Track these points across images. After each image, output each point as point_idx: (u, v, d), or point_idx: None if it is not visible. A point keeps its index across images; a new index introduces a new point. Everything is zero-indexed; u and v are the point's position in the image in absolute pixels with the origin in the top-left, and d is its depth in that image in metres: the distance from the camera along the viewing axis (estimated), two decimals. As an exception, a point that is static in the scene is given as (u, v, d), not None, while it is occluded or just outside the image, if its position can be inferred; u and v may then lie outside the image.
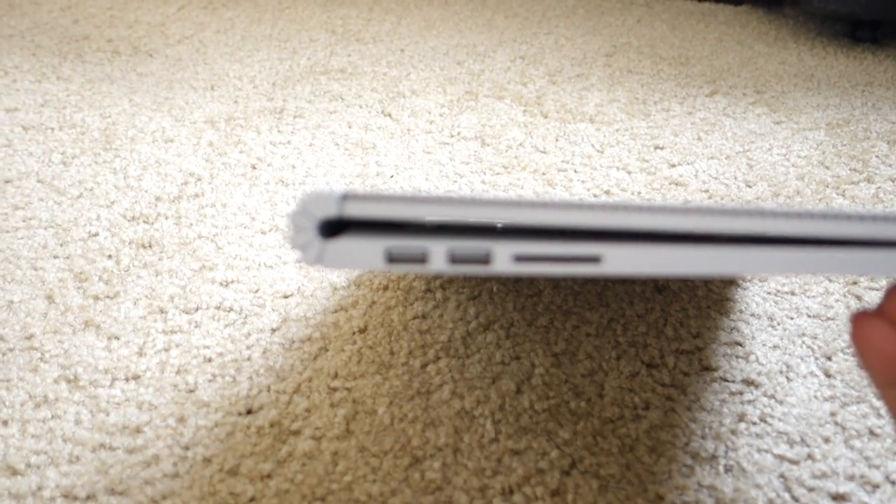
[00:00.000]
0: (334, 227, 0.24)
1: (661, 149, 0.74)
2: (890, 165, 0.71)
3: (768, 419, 0.43)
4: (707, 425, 0.42)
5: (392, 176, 0.68)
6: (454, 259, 0.23)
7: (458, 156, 0.72)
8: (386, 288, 0.53)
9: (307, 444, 0.40)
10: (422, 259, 0.23)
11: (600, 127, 0.79)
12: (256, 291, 0.52)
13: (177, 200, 0.63)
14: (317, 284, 0.53)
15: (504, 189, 0.66)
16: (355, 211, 0.23)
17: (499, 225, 0.25)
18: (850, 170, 0.70)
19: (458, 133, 0.76)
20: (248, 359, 0.46)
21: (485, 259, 0.23)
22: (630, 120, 0.80)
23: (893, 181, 0.68)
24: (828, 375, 0.46)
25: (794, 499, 0.38)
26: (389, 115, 0.80)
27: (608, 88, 0.89)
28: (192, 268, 0.54)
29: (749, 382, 0.45)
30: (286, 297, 0.52)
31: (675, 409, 0.43)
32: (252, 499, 0.37)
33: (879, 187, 0.68)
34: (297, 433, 0.41)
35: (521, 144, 0.74)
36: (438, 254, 0.23)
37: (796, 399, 0.44)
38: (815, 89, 0.90)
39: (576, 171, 0.69)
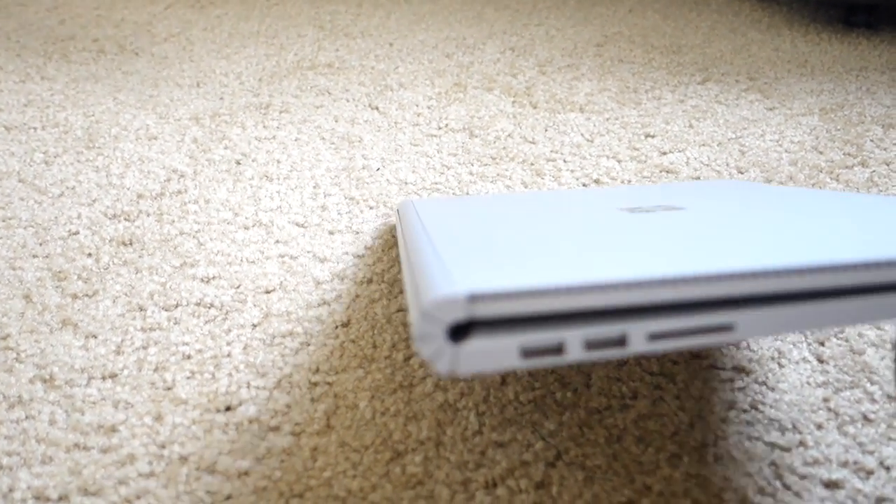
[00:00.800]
0: (461, 327, 0.22)
1: (652, 137, 0.73)
2: (885, 149, 0.70)
3: (759, 406, 0.42)
4: (696, 414, 0.41)
5: (378, 169, 0.67)
6: (590, 346, 0.22)
7: (445, 147, 0.71)
8: (370, 281, 0.52)
9: (286, 440, 0.40)
10: (558, 350, 0.22)
11: (590, 116, 0.78)
12: (238, 287, 0.51)
13: (159, 197, 0.62)
14: (299, 279, 0.52)
15: (492, 180, 0.65)
16: (486, 311, 0.22)
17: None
18: (844, 154, 0.69)
19: (446, 125, 0.75)
20: (228, 355, 0.45)
21: (621, 342, 0.22)
22: (620, 109, 0.79)
23: (888, 164, 0.67)
24: (821, 361, 0.45)
25: (786, 486, 0.37)
26: (377, 109, 0.79)
27: (599, 78, 0.88)
28: (173, 264, 0.53)
29: (740, 370, 0.44)
30: (268, 292, 0.51)
31: (664, 398, 0.42)
32: (229, 496, 0.36)
33: (874, 171, 0.66)
34: (276, 429, 0.40)
35: (509, 135, 0.73)
36: (574, 343, 0.22)
37: (788, 385, 0.43)
38: (809, 75, 0.89)
39: (565, 161, 0.68)
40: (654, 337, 0.22)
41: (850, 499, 0.36)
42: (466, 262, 0.25)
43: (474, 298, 0.21)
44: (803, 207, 0.39)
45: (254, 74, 0.88)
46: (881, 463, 0.38)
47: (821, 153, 0.69)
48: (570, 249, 0.27)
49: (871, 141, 0.71)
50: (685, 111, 0.79)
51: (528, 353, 0.22)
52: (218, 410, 0.41)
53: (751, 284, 0.22)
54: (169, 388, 0.43)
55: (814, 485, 0.37)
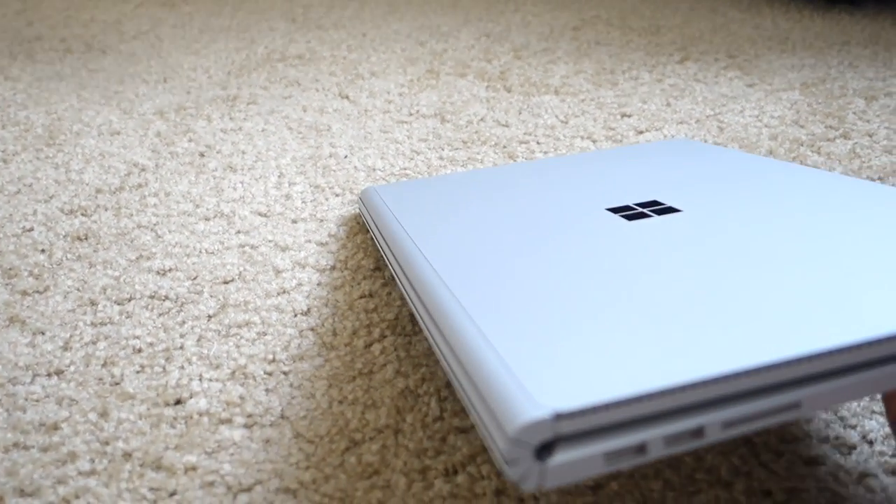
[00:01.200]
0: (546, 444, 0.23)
1: (629, 116, 0.71)
2: (868, 121, 0.68)
3: (736, 383, 0.40)
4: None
5: (346, 157, 0.65)
6: (669, 442, 0.23)
7: (416, 133, 0.69)
8: (333, 268, 0.50)
9: (238, 432, 0.37)
10: (640, 451, 0.22)
11: (565, 98, 0.76)
12: (195, 278, 0.49)
13: (118, 192, 0.60)
14: (259, 269, 0.50)
15: (463, 164, 0.63)
16: (571, 428, 0.22)
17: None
18: (825, 127, 0.67)
19: (417, 111, 0.73)
20: (181, 347, 0.43)
21: (698, 434, 0.23)
22: (597, 90, 0.77)
23: (871, 136, 0.65)
24: (800, 334, 0.43)
25: (763, 465, 0.35)
26: (346, 98, 0.77)
27: (575, 61, 0.86)
28: (129, 258, 0.51)
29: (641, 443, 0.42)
30: (226, 282, 0.49)
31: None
32: (174, 493, 0.34)
33: (856, 143, 0.65)
34: (227, 421, 0.38)
35: (482, 119, 0.71)
36: (656, 442, 0.22)
37: (766, 360, 0.41)
38: (790, 51, 0.87)
39: (538, 143, 0.66)
40: (728, 425, 0.23)
41: (831, 475, 0.34)
42: (532, 364, 0.25)
43: (560, 417, 0.22)
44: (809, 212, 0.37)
45: (222, 68, 0.86)
46: (864, 437, 0.36)
47: (802, 127, 0.67)
48: (618, 329, 0.27)
49: (854, 113, 0.69)
50: (663, 90, 0.77)
51: (611, 457, 0.22)
52: (167, 404, 0.39)
53: (817, 365, 0.23)
54: (116, 384, 0.41)
55: (793, 463, 0.35)
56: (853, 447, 0.36)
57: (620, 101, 0.74)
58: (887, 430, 0.36)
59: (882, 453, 0.35)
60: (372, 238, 0.53)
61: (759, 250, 0.36)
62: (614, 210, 0.40)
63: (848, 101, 0.72)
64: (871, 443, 0.36)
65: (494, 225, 0.38)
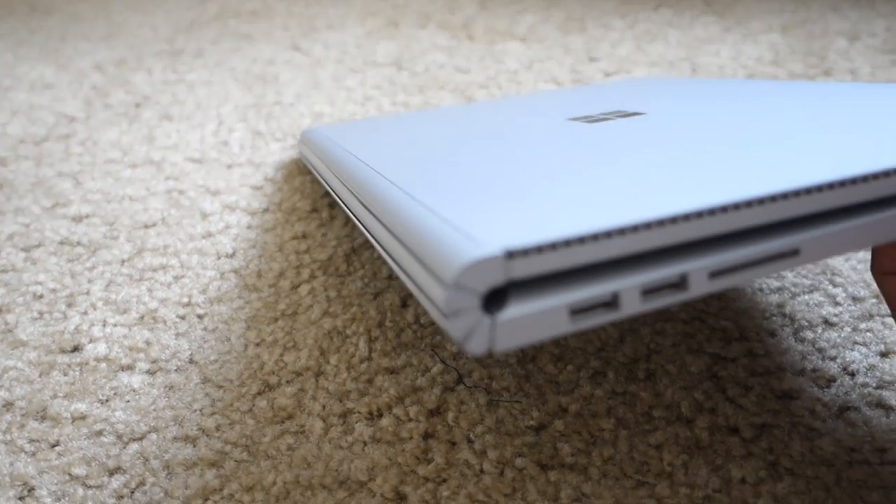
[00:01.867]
0: (493, 296, 0.18)
1: (597, 60, 0.67)
2: (850, 59, 0.64)
3: (702, 316, 0.35)
4: (627, 328, 0.35)
5: (291, 104, 0.60)
6: (647, 294, 0.19)
7: (369, 81, 0.64)
8: (265, 211, 0.45)
9: (138, 378, 0.33)
10: (612, 304, 0.18)
11: (531, 45, 0.71)
12: (112, 224, 0.45)
13: (42, 142, 0.55)
14: (184, 213, 0.45)
15: (417, 109, 0.59)
16: (526, 270, 0.17)
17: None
18: (806, 66, 0.63)
19: (373, 61, 0.69)
20: (87, 293, 0.39)
21: (680, 285, 0.19)
22: (564, 37, 0.73)
23: (853, 73, 0.61)
24: (774, 265, 0.39)
25: (729, 399, 0.31)
26: (299, 49, 0.72)
27: (543, 10, 0.82)
28: (43, 205, 0.47)
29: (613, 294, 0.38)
30: (147, 227, 0.44)
31: (590, 312, 0.36)
32: (56, 444, 0.30)
33: (838, 80, 0.60)
34: (129, 368, 0.34)
35: (440, 66, 0.67)
36: (631, 294, 0.18)
37: (736, 293, 0.37)
38: (770, -1, 0.83)
39: (499, 88, 0.62)
40: (716, 274, 0.19)
41: (808, 409, 0.30)
42: (472, 213, 0.20)
43: (512, 255, 0.17)
44: (777, 105, 0.33)
45: (171, 26, 0.81)
46: (844, 369, 0.32)
47: (781, 66, 0.63)
48: (576, 182, 0.22)
49: (836, 52, 0.65)
50: (635, 36, 0.72)
51: (577, 312, 0.18)
52: (62, 351, 0.35)
53: (817, 201, 0.20)
54: (9, 331, 0.36)
55: (763, 396, 0.31)
56: (832, 380, 0.32)
57: (589, 47, 0.70)
58: (871, 361, 0.32)
59: (865, 385, 0.31)
60: (311, 180, 0.48)
61: (745, 110, 0.32)
62: (576, 119, 0.36)
63: (830, 41, 0.68)
64: (852, 374, 0.32)
65: (449, 140, 0.33)
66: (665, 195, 0.20)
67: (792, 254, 0.20)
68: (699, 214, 0.19)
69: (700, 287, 0.19)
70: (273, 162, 0.51)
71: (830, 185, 0.20)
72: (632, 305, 0.18)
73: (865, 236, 0.21)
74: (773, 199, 0.19)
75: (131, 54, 0.72)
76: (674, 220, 0.18)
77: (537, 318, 0.17)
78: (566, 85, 0.62)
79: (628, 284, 0.18)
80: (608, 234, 0.18)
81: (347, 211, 0.30)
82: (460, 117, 0.42)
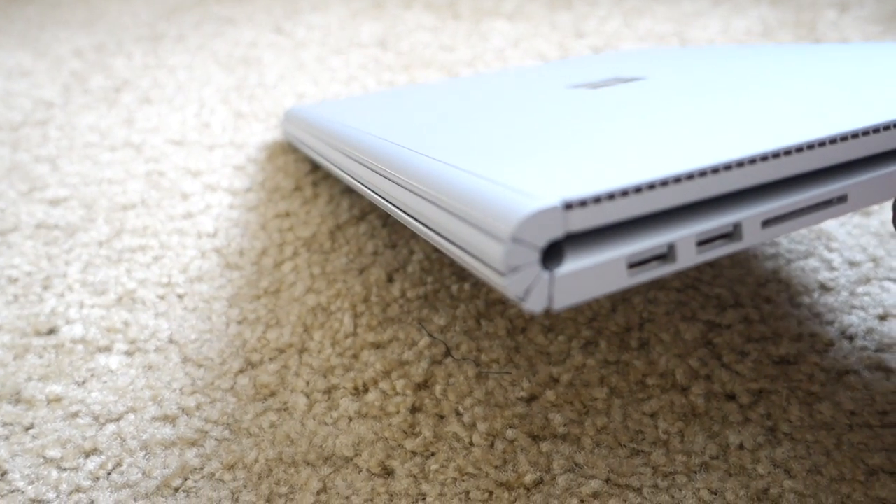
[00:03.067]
0: (549, 250, 0.18)
1: (584, 37, 0.66)
2: (840, 29, 0.63)
3: (695, 284, 0.35)
4: (619, 297, 0.34)
5: (275, 86, 0.59)
6: (702, 245, 0.19)
7: (354, 61, 0.63)
8: (248, 190, 0.44)
9: (116, 359, 0.32)
10: (667, 256, 0.18)
11: (518, 23, 0.70)
12: (90, 206, 0.43)
13: (19, 128, 0.54)
14: (164, 194, 0.44)
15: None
16: (584, 223, 0.17)
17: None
18: (796, 37, 0.62)
19: (358, 42, 0.68)
20: (64, 275, 0.37)
21: (734, 235, 0.19)
22: (552, 14, 0.72)
23: (845, 40, 0.60)
24: (768, 232, 0.38)
25: (725, 366, 0.30)
26: (282, 32, 0.71)
27: (530, -10, 0.80)
28: (20, 189, 0.45)
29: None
30: (126, 208, 0.43)
31: (581, 283, 0.35)
32: (30, 427, 0.29)
33: (829, 51, 0.59)
34: (106, 349, 0.33)
35: (426, 45, 0.66)
36: (686, 244, 0.18)
37: (731, 261, 0.36)
38: (758, -26, 0.82)
39: (486, 65, 0.61)
40: (768, 223, 0.19)
41: (805, 374, 0.29)
42: (521, 170, 0.19)
43: (570, 206, 0.17)
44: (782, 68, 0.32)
45: (152, 11, 0.80)
46: (843, 333, 0.31)
47: (771, 37, 0.62)
48: (614, 139, 0.22)
49: (825, 23, 0.64)
50: (622, 12, 0.71)
51: (634, 266, 0.18)
52: (38, 333, 0.34)
53: (861, 146, 0.20)
54: (-17, 315, 0.35)
55: (762, 363, 0.30)
56: (830, 344, 0.31)
57: (576, 24, 0.69)
58: (869, 324, 0.31)
59: (864, 348, 0.30)
60: (296, 159, 0.47)
61: (757, 69, 0.31)
62: (575, 87, 0.35)
63: (819, 12, 0.67)
64: (850, 338, 0.31)
65: (461, 109, 0.32)
66: (712, 145, 0.19)
67: (840, 200, 0.20)
68: (752, 161, 0.18)
69: (753, 236, 0.19)
70: (256, 143, 0.50)
71: (876, 129, 0.20)
72: (688, 257, 0.18)
73: None
74: (822, 143, 0.19)
75: (111, 40, 0.71)
76: (728, 166, 0.18)
77: (596, 271, 0.17)
78: (554, 60, 0.61)
79: (684, 234, 0.18)
80: (664, 183, 0.17)
81: (361, 187, 0.28)
82: (458, 89, 0.41)
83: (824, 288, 0.34)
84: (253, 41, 0.69)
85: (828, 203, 0.20)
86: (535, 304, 0.17)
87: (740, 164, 0.18)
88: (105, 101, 0.57)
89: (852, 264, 0.35)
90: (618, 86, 0.32)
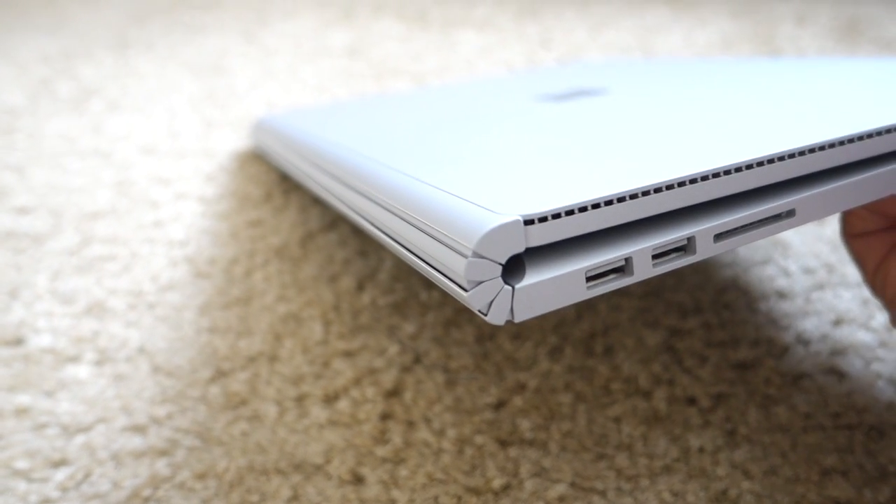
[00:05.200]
0: (510, 266, 0.18)
1: (550, 48, 0.67)
2: (796, 39, 0.65)
3: (657, 292, 0.36)
4: (584, 305, 0.35)
5: (245, 94, 0.59)
6: (657, 258, 0.19)
7: (324, 71, 0.63)
8: (219, 198, 0.44)
9: (85, 369, 0.32)
10: (625, 269, 0.19)
11: (486, 34, 0.71)
12: (59, 215, 0.43)
13: (-16, 135, 0.53)
14: (134, 203, 0.44)
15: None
16: (542, 238, 0.17)
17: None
18: (754, 49, 0.64)
19: (327, 51, 0.68)
20: (32, 284, 0.37)
21: (688, 247, 0.20)
22: (519, 26, 0.73)
23: (801, 51, 0.62)
24: (728, 241, 0.39)
25: (686, 370, 0.31)
26: (252, 40, 0.71)
27: (498, 1, 0.82)
28: (-15, 198, 0.45)
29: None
30: (95, 217, 0.43)
31: (548, 290, 0.36)
32: (-2, 438, 0.29)
33: (787, 64, 0.61)
34: (75, 359, 0.33)
35: (396, 55, 0.66)
36: (642, 258, 0.19)
37: (690, 269, 0.37)
38: (721, -12, 0.84)
39: (454, 74, 0.61)
40: (720, 236, 0.20)
41: (763, 378, 0.31)
42: (484, 186, 0.20)
43: (530, 222, 0.17)
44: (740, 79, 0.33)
45: (120, 18, 0.79)
46: (798, 338, 0.33)
47: (730, 49, 0.64)
48: (575, 155, 0.23)
49: (783, 35, 0.66)
50: (587, 25, 0.73)
51: (592, 279, 0.18)
52: (5, 343, 0.34)
53: (808, 162, 0.21)
54: (-51, 325, 0.35)
55: (719, 367, 0.31)
56: (786, 349, 0.32)
57: (542, 35, 0.70)
58: (823, 330, 0.33)
59: (818, 353, 0.32)
60: (267, 169, 0.47)
61: (712, 85, 0.32)
62: (540, 99, 0.35)
63: (777, 25, 0.69)
64: (805, 343, 0.32)
65: (427, 121, 0.33)
66: (669, 162, 0.20)
67: (788, 214, 0.21)
68: (706, 177, 0.19)
69: (706, 249, 0.20)
70: (226, 151, 0.50)
71: (822, 147, 0.21)
72: (644, 270, 0.19)
73: (855, 194, 0.22)
74: (771, 161, 0.20)
75: (79, 46, 0.70)
76: (682, 183, 0.19)
77: (555, 284, 0.18)
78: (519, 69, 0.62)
79: (640, 248, 0.18)
80: (622, 199, 0.18)
81: (329, 198, 0.29)
82: (426, 98, 0.42)
83: (780, 295, 0.35)
84: (223, 49, 0.69)
85: (777, 217, 0.21)
86: (497, 317, 0.18)
87: (694, 180, 0.19)
88: (74, 109, 0.57)
89: (807, 271, 0.37)
90: (581, 99, 0.33)
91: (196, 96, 0.59)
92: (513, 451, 0.28)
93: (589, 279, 0.18)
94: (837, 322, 0.33)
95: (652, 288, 0.36)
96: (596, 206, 0.18)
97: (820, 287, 0.35)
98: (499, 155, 0.24)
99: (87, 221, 0.43)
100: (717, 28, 0.69)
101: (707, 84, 0.33)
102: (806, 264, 0.37)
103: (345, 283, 0.37)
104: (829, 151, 0.21)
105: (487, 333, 0.33)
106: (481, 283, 0.17)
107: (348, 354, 0.32)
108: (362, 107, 0.42)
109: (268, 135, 0.42)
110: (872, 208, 0.27)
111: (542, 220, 0.17)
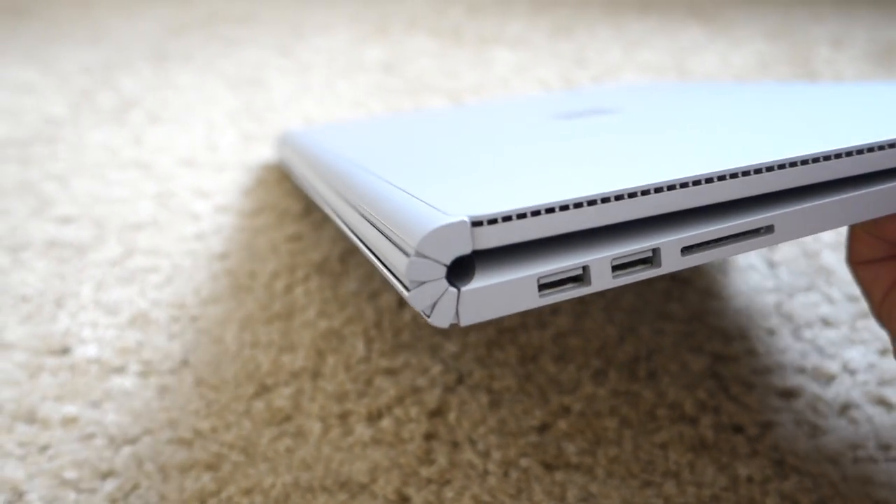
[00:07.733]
0: (456, 267, 0.18)
1: (585, 67, 0.67)
2: (833, 63, 0.64)
3: (702, 316, 0.35)
4: (627, 327, 0.35)
5: (282, 108, 0.59)
6: (617, 269, 0.18)
7: (359, 86, 0.64)
8: (258, 213, 0.45)
9: (131, 380, 0.32)
10: (581, 279, 0.18)
11: (519, 51, 0.71)
12: (102, 225, 0.44)
13: (28, 145, 0.54)
14: (175, 215, 0.45)
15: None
16: (492, 240, 0.17)
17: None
18: (791, 72, 0.64)
19: (362, 66, 0.69)
20: (76, 294, 0.38)
21: (651, 260, 0.19)
22: (553, 44, 0.73)
23: (838, 77, 0.62)
24: (771, 266, 0.39)
25: (732, 398, 0.31)
26: (288, 55, 0.72)
27: (531, 17, 0.82)
28: (30, 206, 0.46)
29: (676, 279, 0.38)
30: (136, 229, 0.43)
31: (589, 312, 0.36)
32: (46, 447, 0.29)
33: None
34: (120, 370, 0.33)
35: (430, 72, 0.67)
36: (601, 267, 0.18)
37: (734, 292, 0.37)
38: (753, 5, 0.84)
39: (489, 93, 0.62)
40: (688, 249, 0.19)
41: (810, 406, 0.30)
42: (437, 187, 0.20)
43: (478, 224, 0.17)
44: (755, 99, 0.33)
45: (158, 30, 0.80)
46: (844, 367, 0.32)
47: (767, 70, 0.64)
48: (545, 162, 0.22)
49: (820, 58, 0.66)
50: (622, 43, 0.73)
51: (545, 286, 0.18)
52: (52, 353, 0.34)
53: (789, 176, 0.20)
54: (-4, 333, 0.35)
55: (765, 394, 0.31)
56: (833, 377, 0.32)
57: (577, 54, 0.70)
58: (870, 359, 0.32)
59: (865, 383, 0.31)
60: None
61: (720, 104, 0.32)
62: (556, 118, 0.36)
63: (813, 48, 0.69)
64: (852, 372, 0.32)
65: (430, 134, 0.33)
66: (636, 170, 0.19)
67: (766, 230, 0.20)
68: (671, 187, 0.18)
69: (672, 263, 0.19)
70: (265, 165, 0.51)
71: (804, 161, 0.20)
72: (602, 280, 0.18)
73: (840, 214, 0.21)
74: (746, 173, 0.19)
75: (118, 57, 0.71)
76: (645, 191, 0.18)
77: (505, 289, 0.17)
78: (556, 90, 0.62)
79: (599, 257, 0.18)
80: (578, 205, 0.17)
81: (321, 203, 0.29)
82: (439, 118, 0.42)
83: (825, 322, 0.35)
84: (259, 62, 0.70)
85: (755, 233, 0.20)
86: (440, 320, 0.17)
87: (659, 189, 0.18)
88: (115, 120, 0.58)
89: (851, 299, 0.36)
90: (588, 117, 0.33)
91: (234, 109, 0.59)
92: (559, 476, 0.28)
93: (543, 286, 0.17)
94: (884, 352, 0.33)
95: (695, 313, 0.36)
96: (550, 210, 0.17)
97: (865, 315, 0.35)
98: (468, 162, 0.24)
99: (130, 232, 0.43)
100: (753, 49, 0.69)
101: (701, 102, 0.33)
102: (850, 292, 0.37)
103: (385, 300, 0.37)
104: (810, 167, 0.20)
105: (530, 355, 0.33)
106: (424, 283, 0.16)
107: (391, 372, 0.32)
108: (377, 124, 0.43)
109: (285, 149, 0.43)
110: (879, 234, 0.26)
111: (492, 222, 0.17)
